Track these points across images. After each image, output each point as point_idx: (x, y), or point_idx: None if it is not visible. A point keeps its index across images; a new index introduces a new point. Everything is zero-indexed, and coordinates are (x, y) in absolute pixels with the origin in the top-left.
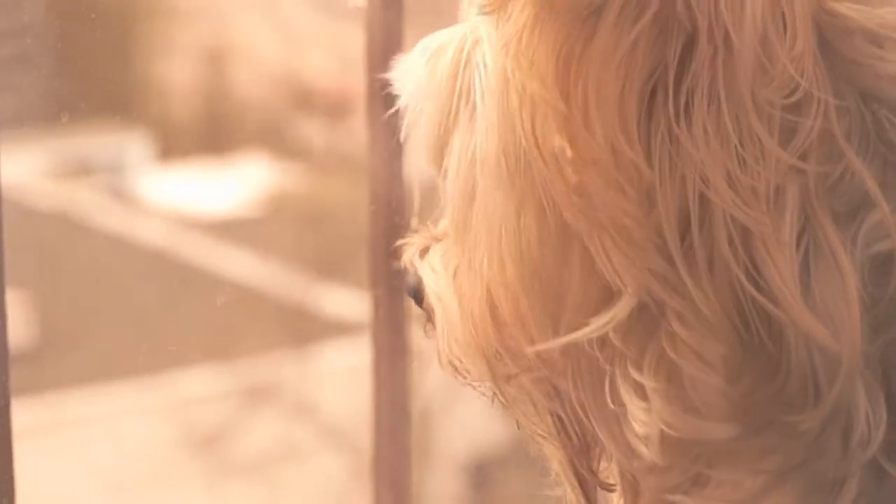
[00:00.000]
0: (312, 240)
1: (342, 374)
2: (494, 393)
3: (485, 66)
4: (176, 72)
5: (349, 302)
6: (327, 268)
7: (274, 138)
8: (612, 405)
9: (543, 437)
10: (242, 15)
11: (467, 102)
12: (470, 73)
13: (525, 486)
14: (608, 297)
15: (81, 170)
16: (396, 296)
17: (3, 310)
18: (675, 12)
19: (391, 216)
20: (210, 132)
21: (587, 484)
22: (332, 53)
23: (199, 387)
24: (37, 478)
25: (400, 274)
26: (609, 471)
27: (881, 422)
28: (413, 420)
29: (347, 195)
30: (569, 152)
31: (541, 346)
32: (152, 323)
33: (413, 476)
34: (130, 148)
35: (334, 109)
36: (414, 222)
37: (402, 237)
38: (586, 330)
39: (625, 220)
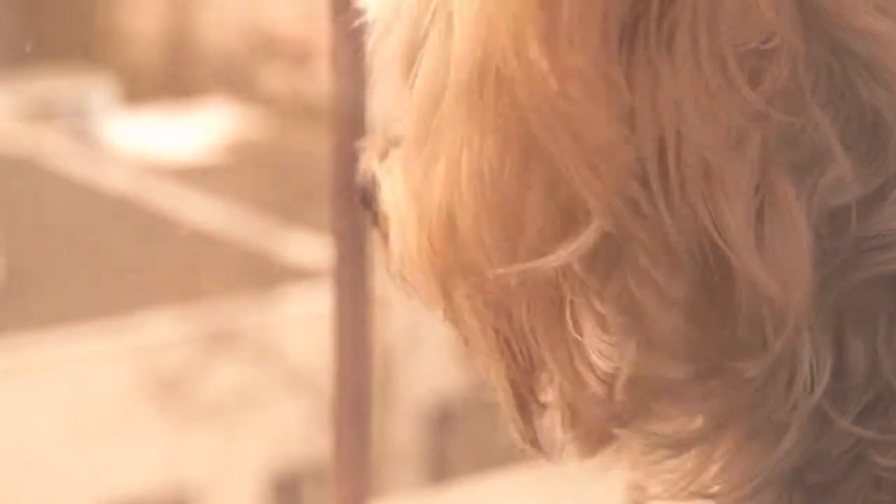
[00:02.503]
0: (275, 186)
1: (305, 319)
2: (443, 309)
3: None
4: (141, 17)
5: (311, 247)
6: (290, 213)
7: (237, 85)
8: (572, 333)
9: (486, 354)
10: None
11: (441, 16)
12: None
13: (485, 434)
14: (569, 224)
15: (46, 113)
16: (359, 241)
17: None
18: None
19: (354, 161)
20: (174, 78)
21: (525, 403)
22: (294, 1)
23: (163, 331)
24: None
25: (362, 216)
26: (548, 394)
27: (825, 370)
28: (375, 366)
29: (309, 141)
30: (547, 63)
31: (500, 271)
32: (116, 267)
33: (374, 421)
34: (95, 92)
35: (297, 56)
36: (373, 127)
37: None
38: (549, 258)
39: (606, 136)
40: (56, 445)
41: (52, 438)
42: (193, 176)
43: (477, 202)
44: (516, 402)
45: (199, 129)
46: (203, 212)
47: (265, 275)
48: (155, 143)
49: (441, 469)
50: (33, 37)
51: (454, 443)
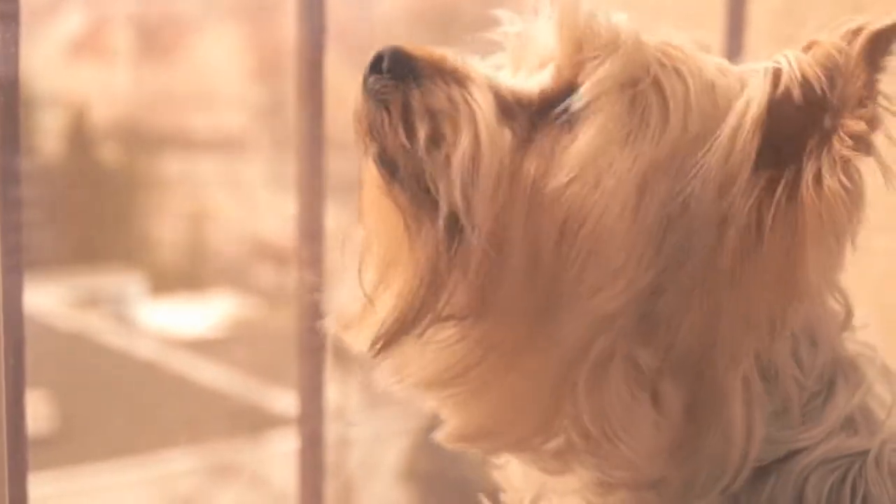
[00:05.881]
0: (264, 354)
1: (289, 455)
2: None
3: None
4: (165, 229)
5: (289, 399)
6: (276, 375)
7: (237, 279)
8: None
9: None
10: (216, 188)
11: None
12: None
13: None
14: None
15: (93, 301)
16: (318, 396)
17: (22, 405)
18: None
19: (314, 337)
20: (189, 274)
21: (423, 314)
22: (279, 216)
23: (178, 465)
24: None
25: (320, 374)
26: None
27: None
28: (337, 490)
29: (289, 321)
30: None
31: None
32: (143, 416)
33: None
34: (130, 285)
35: (281, 258)
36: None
37: (323, 348)
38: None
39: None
40: None
41: None
42: (203, 347)
43: (616, 224)
44: (417, 310)
45: (208, 313)
46: (209, 374)
47: (257, 421)
48: (174, 323)
49: None
50: (84, 243)
51: None
